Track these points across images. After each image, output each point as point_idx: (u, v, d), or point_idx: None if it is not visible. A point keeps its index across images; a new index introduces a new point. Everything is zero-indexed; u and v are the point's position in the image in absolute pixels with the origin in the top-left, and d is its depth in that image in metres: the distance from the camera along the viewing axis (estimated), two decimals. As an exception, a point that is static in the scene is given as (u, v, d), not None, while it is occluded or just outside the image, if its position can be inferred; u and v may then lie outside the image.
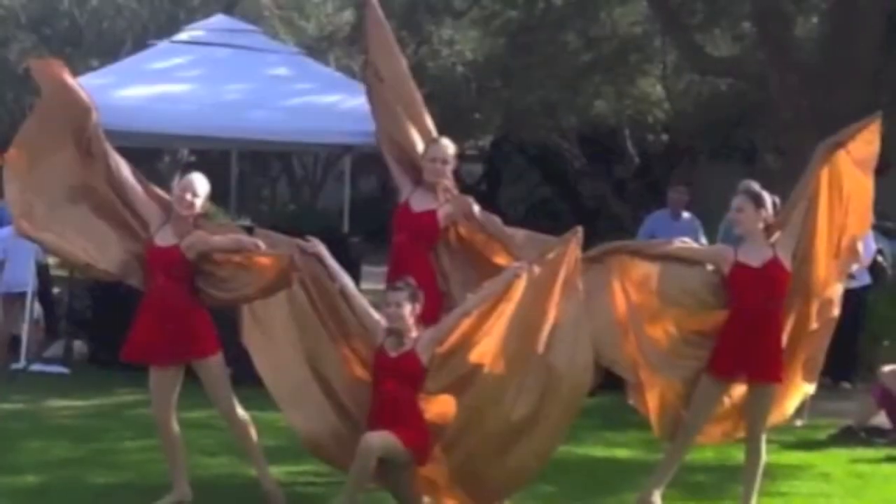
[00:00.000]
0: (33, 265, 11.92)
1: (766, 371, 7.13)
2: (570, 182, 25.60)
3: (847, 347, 11.08)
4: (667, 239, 7.96)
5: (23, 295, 12.02)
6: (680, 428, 7.26)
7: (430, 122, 7.91)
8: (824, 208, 7.14)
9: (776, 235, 7.14)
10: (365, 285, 10.62)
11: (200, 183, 7.22)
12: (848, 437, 9.78)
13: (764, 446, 7.28)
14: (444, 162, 7.61)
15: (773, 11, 13.53)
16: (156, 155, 22.87)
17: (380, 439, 6.68)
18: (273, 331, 7.15)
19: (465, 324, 6.97)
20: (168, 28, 19.22)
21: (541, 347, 6.89)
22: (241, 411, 7.25)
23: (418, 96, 7.97)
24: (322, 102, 12.60)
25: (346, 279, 7.25)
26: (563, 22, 17.49)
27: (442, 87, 18.23)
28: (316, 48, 19.80)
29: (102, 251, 7.19)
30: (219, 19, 14.84)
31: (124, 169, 7.25)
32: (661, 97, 19.92)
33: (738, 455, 7.63)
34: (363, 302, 7.22)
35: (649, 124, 20.87)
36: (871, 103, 9.74)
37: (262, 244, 7.01)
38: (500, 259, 7.43)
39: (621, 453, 9.16)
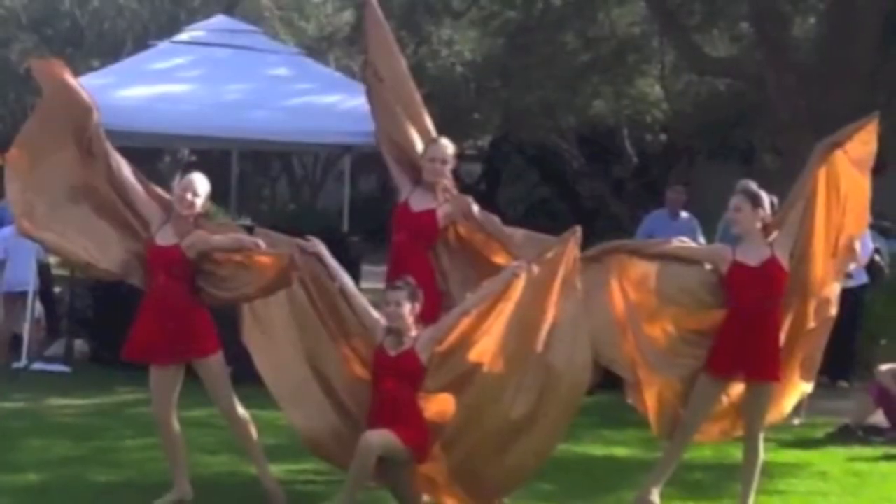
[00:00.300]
0: (34, 264, 11.93)
1: (763, 370, 7.14)
2: (569, 182, 25.64)
3: (844, 346, 11.08)
4: (665, 238, 7.98)
5: (24, 294, 12.05)
6: (678, 426, 7.27)
7: (429, 121, 7.94)
8: (822, 208, 7.16)
9: (774, 235, 7.15)
10: (365, 284, 10.63)
11: (201, 182, 7.23)
12: (845, 435, 9.80)
13: (762, 445, 7.29)
14: (444, 162, 7.63)
15: (770, 12, 13.59)
16: (157, 155, 22.90)
17: (379, 438, 6.70)
18: (273, 330, 7.16)
19: (465, 323, 6.99)
20: (169, 28, 19.24)
21: (540, 346, 6.91)
22: (241, 410, 7.26)
23: (417, 96, 8.00)
24: (322, 102, 12.63)
25: (346, 278, 7.27)
26: (561, 22, 17.53)
27: (441, 88, 18.26)
28: (316, 48, 19.85)
29: (103, 250, 7.20)
30: (219, 20, 14.86)
31: (125, 169, 7.26)
32: (660, 97, 19.95)
33: (736, 453, 7.65)
34: (363, 301, 7.24)
35: (648, 124, 20.91)
36: (868, 103, 9.79)
37: (262, 243, 7.02)
38: (500, 258, 7.45)
39: (620, 452, 9.18)
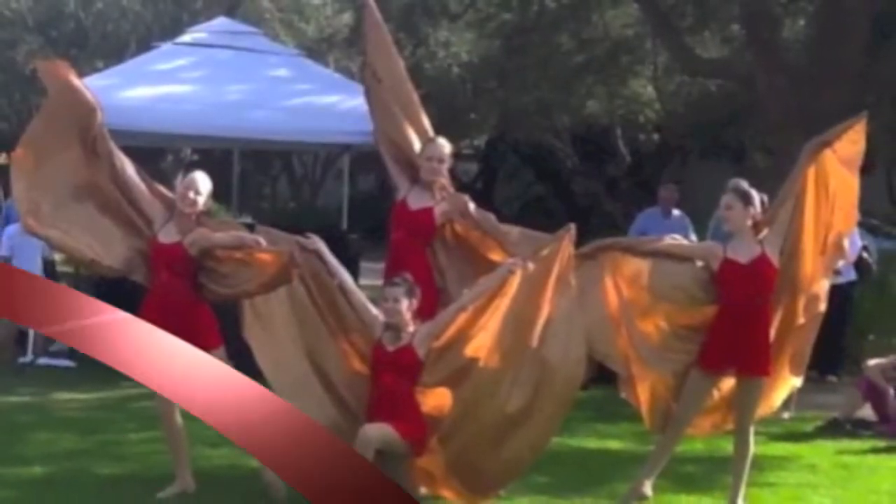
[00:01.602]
0: (40, 261, 11.98)
1: (754, 365, 7.20)
2: (564, 180, 25.78)
3: (833, 342, 11.15)
4: (657, 236, 8.07)
5: (29, 291, 12.12)
6: (670, 420, 7.33)
7: (426, 121, 7.99)
8: (811, 206, 7.21)
9: (764, 232, 7.21)
10: (363, 281, 10.68)
11: (203, 181, 7.32)
12: (834, 429, 9.87)
13: (752, 438, 7.35)
14: (441, 161, 7.68)
15: (761, 14, 13.65)
16: (159, 154, 22.91)
17: (378, 431, 6.78)
18: (273, 326, 7.24)
19: (461, 319, 7.06)
20: (171, 30, 19.31)
21: (535, 342, 6.99)
22: (243, 404, 7.35)
23: (415, 97, 8.05)
24: (321, 103, 12.70)
25: (345, 275, 7.34)
26: (556, 24, 17.63)
27: (438, 88, 18.36)
28: (316, 50, 19.96)
29: (107, 248, 7.28)
30: (221, 21, 14.96)
31: (129, 168, 7.33)
32: (652, 98, 20.05)
33: (727, 446, 7.70)
34: (361, 297, 7.31)
35: (641, 124, 21.03)
36: (857, 103, 9.89)
37: (262, 241, 7.10)
38: (495, 256, 7.51)
39: (613, 445, 9.25)
